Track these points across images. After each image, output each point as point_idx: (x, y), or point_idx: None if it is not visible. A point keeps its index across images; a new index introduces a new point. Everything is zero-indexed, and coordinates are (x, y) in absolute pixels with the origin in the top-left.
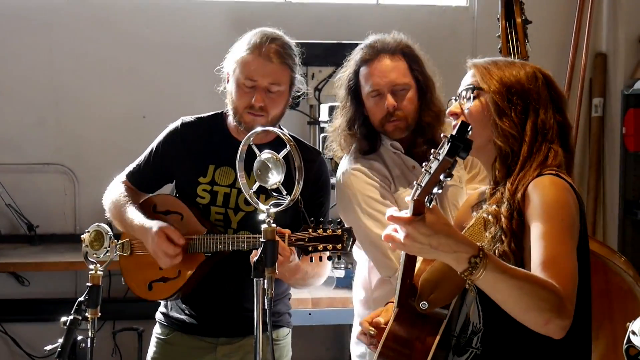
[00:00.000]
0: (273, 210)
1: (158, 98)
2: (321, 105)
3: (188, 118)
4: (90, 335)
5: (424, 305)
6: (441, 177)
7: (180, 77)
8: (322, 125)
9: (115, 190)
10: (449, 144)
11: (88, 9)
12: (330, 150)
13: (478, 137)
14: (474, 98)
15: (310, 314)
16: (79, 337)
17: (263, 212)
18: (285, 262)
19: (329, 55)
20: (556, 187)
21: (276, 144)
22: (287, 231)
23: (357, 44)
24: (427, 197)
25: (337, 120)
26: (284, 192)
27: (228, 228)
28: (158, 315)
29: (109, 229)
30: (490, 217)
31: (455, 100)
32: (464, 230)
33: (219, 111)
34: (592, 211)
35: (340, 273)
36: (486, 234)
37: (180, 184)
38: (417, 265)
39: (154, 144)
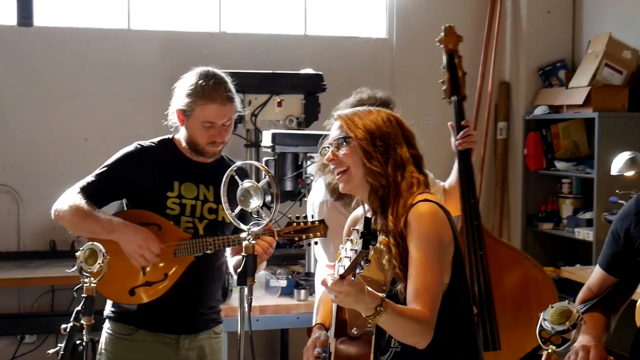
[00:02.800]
0: (254, 229)
1: (99, 121)
2: (263, 132)
3: (143, 142)
4: (85, 339)
5: (355, 330)
6: (361, 262)
7: (119, 101)
8: (263, 149)
9: (73, 198)
10: (362, 239)
11: (33, 34)
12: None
13: (355, 177)
14: (346, 145)
15: (258, 320)
16: (77, 341)
17: (244, 231)
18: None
19: (265, 83)
20: (428, 217)
21: (217, 164)
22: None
23: (290, 74)
24: (351, 273)
25: None
26: (263, 215)
27: (197, 234)
28: (112, 315)
29: (102, 247)
30: (382, 247)
31: (328, 148)
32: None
33: (166, 137)
34: (498, 223)
35: (283, 283)
36: (384, 262)
37: (145, 198)
38: None
39: (110, 162)
